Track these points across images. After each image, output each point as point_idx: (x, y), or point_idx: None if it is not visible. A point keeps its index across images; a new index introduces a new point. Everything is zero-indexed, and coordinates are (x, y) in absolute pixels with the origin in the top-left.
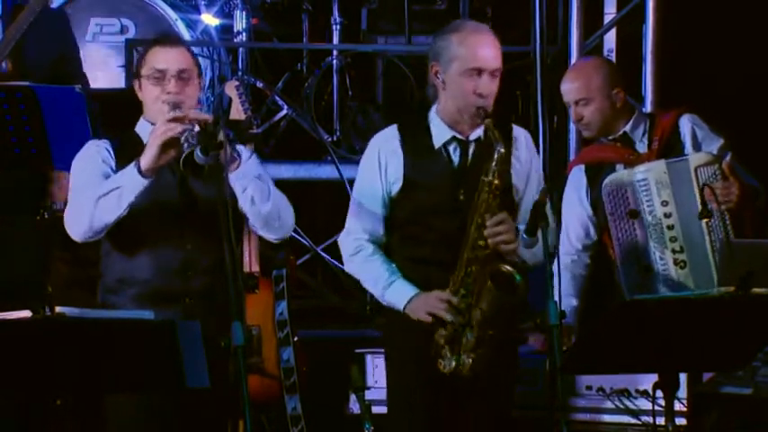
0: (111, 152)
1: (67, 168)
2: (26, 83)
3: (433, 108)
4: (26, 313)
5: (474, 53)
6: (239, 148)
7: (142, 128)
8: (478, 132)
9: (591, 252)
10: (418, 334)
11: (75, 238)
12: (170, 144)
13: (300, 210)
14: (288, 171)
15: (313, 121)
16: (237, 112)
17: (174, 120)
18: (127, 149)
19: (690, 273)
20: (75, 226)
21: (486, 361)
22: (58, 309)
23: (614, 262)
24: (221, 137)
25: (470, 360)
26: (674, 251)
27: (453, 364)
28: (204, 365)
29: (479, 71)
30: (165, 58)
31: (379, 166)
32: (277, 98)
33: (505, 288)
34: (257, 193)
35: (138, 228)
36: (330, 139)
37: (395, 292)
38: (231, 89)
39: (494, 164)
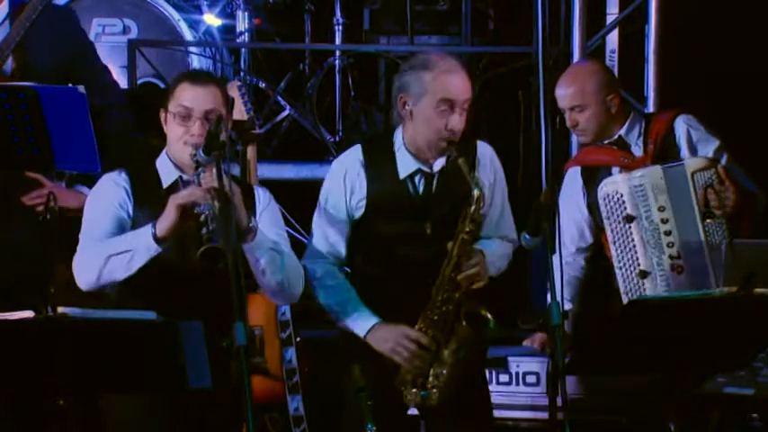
0: (129, 191)
1: (69, 169)
2: (29, 83)
3: (398, 134)
4: (29, 313)
5: (446, 89)
6: (257, 191)
7: (162, 164)
8: (442, 162)
9: (586, 255)
10: (375, 358)
11: (81, 286)
12: (189, 214)
13: (302, 210)
14: (290, 171)
15: (315, 122)
16: (240, 112)
17: (195, 194)
18: (144, 189)
19: (687, 278)
20: (83, 276)
21: (454, 390)
22: (60, 309)
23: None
24: (224, 137)
25: (437, 393)
26: (671, 256)
27: (419, 398)
28: (207, 366)
29: (452, 104)
30: (193, 96)
31: (345, 189)
32: (279, 98)
33: (478, 329)
34: (269, 265)
35: (142, 285)
36: (332, 140)
37: (356, 319)
38: (233, 89)
39: (471, 210)
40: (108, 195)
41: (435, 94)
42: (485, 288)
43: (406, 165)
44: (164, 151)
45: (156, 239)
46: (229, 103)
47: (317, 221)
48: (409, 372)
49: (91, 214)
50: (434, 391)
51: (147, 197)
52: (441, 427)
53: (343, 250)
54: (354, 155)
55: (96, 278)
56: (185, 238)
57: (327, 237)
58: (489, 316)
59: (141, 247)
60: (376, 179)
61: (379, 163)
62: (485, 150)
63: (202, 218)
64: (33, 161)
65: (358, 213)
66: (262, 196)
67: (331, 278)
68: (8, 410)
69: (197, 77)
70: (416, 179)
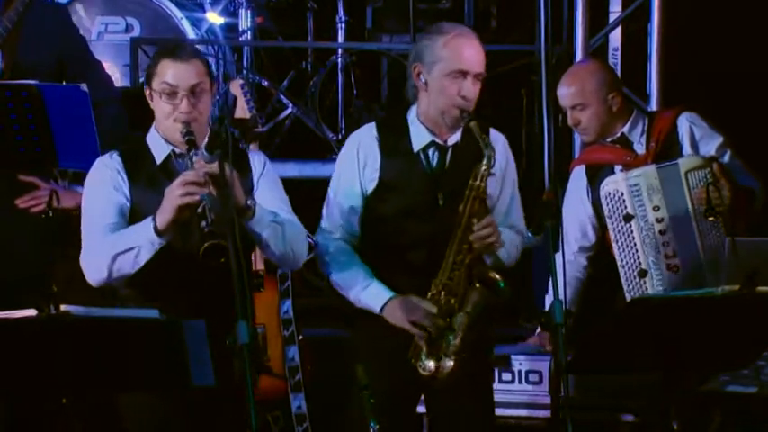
0: (123, 174)
1: (72, 166)
2: (32, 81)
3: (413, 109)
4: (31, 311)
5: (459, 56)
6: (252, 156)
7: (153, 139)
8: (456, 137)
9: (588, 254)
10: (390, 341)
11: (93, 284)
12: (186, 207)
13: (305, 208)
14: (293, 169)
15: (318, 120)
16: (242, 110)
17: (191, 187)
18: (138, 166)
19: (683, 277)
20: (92, 274)
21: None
22: (63, 307)
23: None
24: (225, 135)
25: (451, 362)
26: (666, 255)
27: (432, 366)
28: (210, 364)
29: (464, 74)
30: (176, 74)
31: (358, 164)
32: (282, 97)
33: (490, 291)
34: (272, 238)
35: (150, 276)
36: (335, 138)
37: (371, 294)
38: (236, 88)
39: (482, 168)
40: (103, 182)
41: (448, 62)
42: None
43: (419, 138)
44: (152, 127)
45: (158, 232)
46: (212, 74)
47: (331, 196)
48: (422, 339)
49: (90, 203)
50: (448, 360)
51: (142, 176)
52: (441, 401)
53: (356, 225)
54: (368, 130)
55: (107, 276)
56: (189, 236)
57: (341, 211)
58: (499, 277)
59: (145, 242)
60: (389, 152)
61: (392, 137)
62: (497, 137)
63: (201, 208)
64: (36, 160)
65: (371, 187)
66: (257, 162)
67: (343, 254)
68: (11, 409)
69: (177, 53)
70: (430, 152)
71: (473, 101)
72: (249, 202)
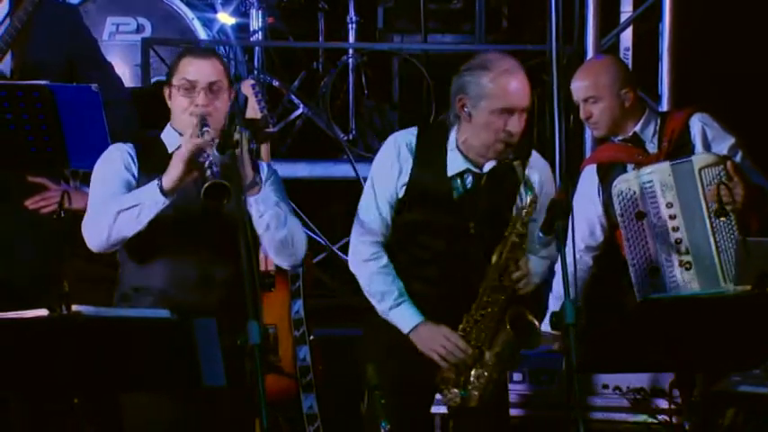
0: (134, 158)
1: (84, 167)
2: (43, 82)
3: (453, 133)
4: (43, 312)
5: (506, 92)
6: (262, 165)
7: (168, 135)
8: (492, 164)
9: (594, 253)
10: (405, 340)
11: (92, 248)
12: (194, 164)
13: (316, 208)
14: (304, 170)
15: (329, 120)
16: (253, 110)
17: (199, 140)
18: (151, 156)
19: (695, 274)
20: (92, 237)
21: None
22: (74, 307)
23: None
24: (237, 136)
25: (477, 394)
26: (679, 252)
27: (459, 399)
28: (220, 364)
29: (511, 111)
30: (196, 70)
31: (394, 167)
32: (293, 97)
33: (523, 335)
34: (273, 219)
35: (155, 238)
36: (346, 138)
37: (402, 313)
38: (247, 88)
39: (523, 213)
40: (114, 160)
41: (495, 99)
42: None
43: (455, 164)
44: (168, 124)
45: (163, 192)
46: (230, 74)
47: (367, 194)
48: (450, 371)
49: (98, 178)
50: (474, 392)
51: (153, 162)
52: (463, 421)
53: (388, 225)
54: (409, 137)
55: (107, 236)
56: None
57: (377, 208)
58: (536, 322)
59: (149, 200)
60: (422, 168)
61: (429, 154)
62: (538, 162)
63: (207, 163)
64: (47, 160)
65: (401, 192)
66: (266, 169)
67: (383, 265)
68: (23, 409)
69: (198, 51)
70: (465, 177)
71: (518, 135)
72: (257, 178)
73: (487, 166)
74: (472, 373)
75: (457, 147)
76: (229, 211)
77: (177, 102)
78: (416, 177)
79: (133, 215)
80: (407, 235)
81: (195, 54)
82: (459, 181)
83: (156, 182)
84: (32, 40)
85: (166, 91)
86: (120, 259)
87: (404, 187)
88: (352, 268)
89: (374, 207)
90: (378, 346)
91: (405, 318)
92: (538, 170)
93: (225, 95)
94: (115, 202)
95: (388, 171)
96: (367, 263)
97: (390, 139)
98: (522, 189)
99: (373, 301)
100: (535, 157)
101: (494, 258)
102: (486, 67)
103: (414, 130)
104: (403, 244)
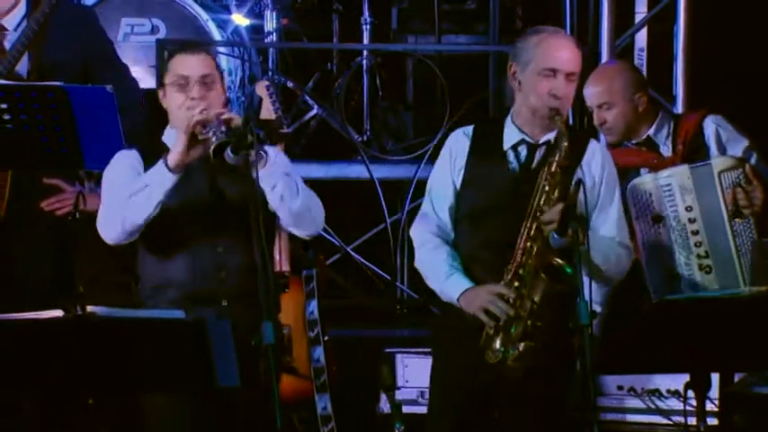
0: (141, 160)
1: (98, 168)
2: (57, 83)
3: (510, 111)
4: (58, 313)
5: (550, 54)
6: (265, 147)
7: (168, 136)
8: (549, 136)
9: None
10: (466, 335)
11: (109, 241)
12: (197, 138)
13: (330, 209)
14: (318, 171)
15: (343, 121)
16: (268, 111)
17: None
18: (155, 158)
19: (715, 277)
20: (107, 229)
21: (535, 357)
22: (89, 308)
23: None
24: (251, 137)
25: (516, 351)
26: (698, 256)
27: (500, 354)
28: (235, 364)
29: (555, 72)
30: (187, 65)
31: (450, 160)
32: (307, 98)
33: (555, 279)
34: (286, 190)
35: (170, 229)
36: (360, 139)
37: (452, 284)
38: (261, 89)
39: (556, 157)
40: (124, 165)
41: (539, 60)
42: None
43: (510, 136)
44: (167, 127)
45: (169, 168)
46: (221, 69)
47: (427, 191)
48: (491, 327)
49: (108, 180)
50: (513, 349)
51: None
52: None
53: (447, 218)
54: (465, 129)
55: (120, 225)
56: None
57: (434, 204)
58: (562, 262)
59: (156, 178)
60: (479, 152)
61: (486, 136)
62: (594, 146)
63: (211, 133)
64: (62, 161)
65: (459, 182)
66: (270, 151)
67: (433, 247)
68: (38, 410)
69: (187, 47)
70: (520, 149)
71: (565, 99)
72: (261, 152)
73: (544, 138)
74: (512, 330)
75: (512, 118)
76: (241, 196)
77: (172, 99)
78: (473, 161)
79: (143, 197)
80: (470, 219)
81: (184, 51)
82: (513, 153)
83: (161, 161)
84: (49, 41)
85: (161, 93)
86: (138, 256)
87: (461, 171)
88: (415, 261)
89: (430, 202)
90: (446, 348)
91: (454, 287)
92: (595, 153)
93: (218, 87)
94: (125, 190)
95: (443, 165)
96: (419, 249)
97: (450, 136)
98: (561, 143)
99: (427, 282)
100: (592, 142)
101: (528, 207)
102: (535, 33)
103: (471, 126)
104: (466, 229)
